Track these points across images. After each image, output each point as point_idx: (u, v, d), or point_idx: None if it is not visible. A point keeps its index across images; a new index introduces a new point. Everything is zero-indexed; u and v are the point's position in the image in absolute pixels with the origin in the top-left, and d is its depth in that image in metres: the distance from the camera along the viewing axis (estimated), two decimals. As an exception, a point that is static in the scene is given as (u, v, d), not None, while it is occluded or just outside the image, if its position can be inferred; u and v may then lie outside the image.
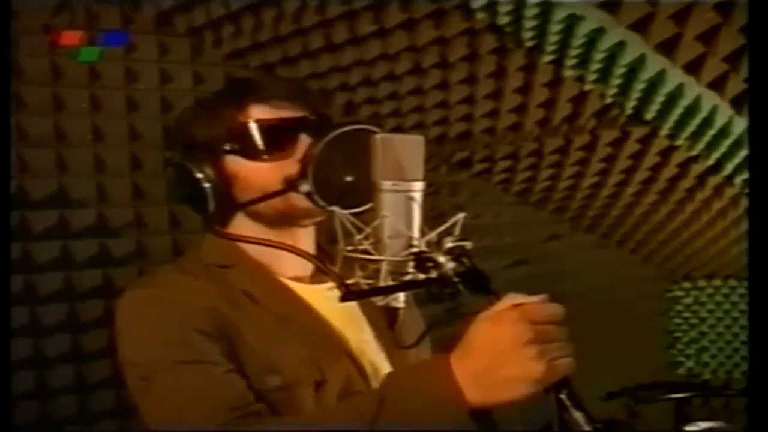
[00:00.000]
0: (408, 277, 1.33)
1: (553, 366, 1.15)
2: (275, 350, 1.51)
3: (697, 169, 3.26)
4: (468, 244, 1.31)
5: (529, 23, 2.51)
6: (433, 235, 1.33)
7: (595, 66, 2.63)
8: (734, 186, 3.29)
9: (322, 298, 1.61)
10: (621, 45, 2.50)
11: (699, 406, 4.15)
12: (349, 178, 1.49)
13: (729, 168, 3.09)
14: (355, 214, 1.37)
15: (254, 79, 1.66)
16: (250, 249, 1.61)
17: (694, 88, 2.62)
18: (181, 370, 1.44)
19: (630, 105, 2.80)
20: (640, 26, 2.46)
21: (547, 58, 2.65)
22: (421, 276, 1.30)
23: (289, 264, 1.63)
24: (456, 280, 1.24)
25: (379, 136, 1.32)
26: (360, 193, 1.42)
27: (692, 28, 2.44)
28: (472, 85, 2.99)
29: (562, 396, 1.16)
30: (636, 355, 4.30)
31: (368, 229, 1.34)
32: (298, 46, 2.92)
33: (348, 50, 2.91)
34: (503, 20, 2.52)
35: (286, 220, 1.59)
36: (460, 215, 1.34)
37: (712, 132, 2.79)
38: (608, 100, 2.81)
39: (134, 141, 2.87)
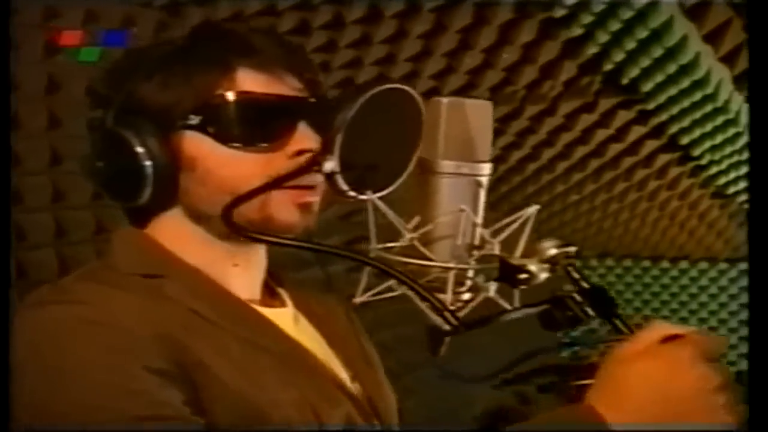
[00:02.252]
0: (464, 288, 1.11)
1: (738, 414, 0.94)
2: (253, 391, 1.07)
3: (651, 145, 2.99)
4: (572, 250, 1.09)
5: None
6: (505, 235, 1.12)
7: (616, 26, 2.25)
8: (684, 166, 3.05)
9: (280, 319, 1.21)
10: (654, 4, 2.15)
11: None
12: (381, 155, 1.16)
13: (699, 149, 2.85)
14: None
15: (240, 32, 1.18)
16: (187, 254, 1.15)
17: (708, 59, 2.31)
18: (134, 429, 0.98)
19: (631, 74, 2.44)
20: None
21: (560, 12, 2.23)
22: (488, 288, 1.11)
23: (237, 281, 1.18)
24: (580, 300, 1.03)
25: (444, 101, 1.09)
26: (386, 172, 1.18)
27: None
28: (433, 39, 2.52)
29: None
30: (522, 338, 4.04)
31: (429, 226, 1.10)
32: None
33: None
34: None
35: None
36: (533, 208, 1.14)
37: (709, 107, 2.52)
38: (608, 67, 2.43)
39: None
